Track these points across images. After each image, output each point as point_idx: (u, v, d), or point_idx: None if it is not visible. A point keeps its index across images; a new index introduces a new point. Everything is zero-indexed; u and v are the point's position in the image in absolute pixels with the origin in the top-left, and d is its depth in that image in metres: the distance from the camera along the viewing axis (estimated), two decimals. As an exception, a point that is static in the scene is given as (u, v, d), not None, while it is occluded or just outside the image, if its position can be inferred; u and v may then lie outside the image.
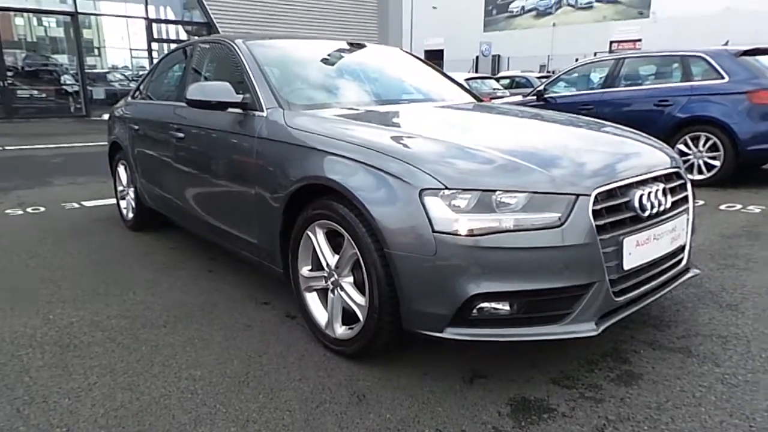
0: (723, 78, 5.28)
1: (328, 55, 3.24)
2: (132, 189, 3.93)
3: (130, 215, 4.04)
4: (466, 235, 1.69)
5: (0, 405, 1.82)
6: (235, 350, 2.19)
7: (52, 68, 14.52)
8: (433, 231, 1.71)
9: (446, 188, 1.73)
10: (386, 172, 1.84)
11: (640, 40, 32.57)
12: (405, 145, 1.97)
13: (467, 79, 12.73)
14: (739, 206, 4.53)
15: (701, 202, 4.61)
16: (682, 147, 5.48)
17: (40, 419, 1.75)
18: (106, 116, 4.58)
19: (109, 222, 4.25)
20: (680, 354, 2.09)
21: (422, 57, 3.86)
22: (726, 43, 8.09)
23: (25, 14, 14.41)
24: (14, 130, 10.80)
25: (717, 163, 5.31)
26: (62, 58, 14.66)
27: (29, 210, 4.63)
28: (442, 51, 41.61)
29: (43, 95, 14.10)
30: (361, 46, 3.51)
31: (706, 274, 2.94)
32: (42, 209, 4.66)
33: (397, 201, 1.79)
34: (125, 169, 4.04)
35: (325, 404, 1.82)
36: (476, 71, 31.97)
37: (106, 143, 4.40)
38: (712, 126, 5.28)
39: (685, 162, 5.41)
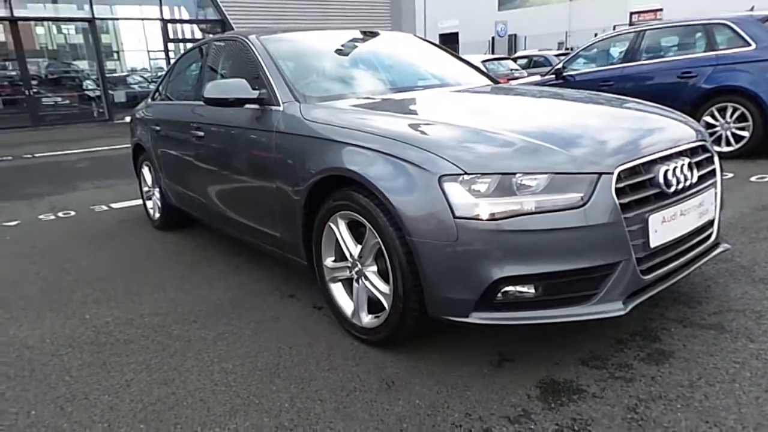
0: (750, 45, 5.10)
1: (342, 45, 3.23)
2: (157, 189, 4.00)
3: (157, 215, 4.12)
4: (488, 220, 1.68)
5: (44, 403, 1.90)
6: (264, 342, 2.23)
7: (73, 75, 14.83)
8: (454, 217, 1.71)
9: (465, 173, 1.72)
10: (405, 160, 1.84)
11: (661, 10, 31.57)
12: (423, 132, 1.96)
13: (484, 61, 12.57)
14: (770, 177, 4.40)
15: (730, 175, 4.48)
16: (708, 119, 5.33)
17: (82, 415, 1.82)
18: (128, 119, 4.66)
19: (136, 222, 4.35)
20: (713, 330, 2.06)
21: (437, 41, 3.82)
22: (751, 9, 7.80)
23: (45, 23, 14.71)
24: (41, 138, 11.09)
25: (746, 133, 5.15)
26: (83, 64, 14.94)
27: (60, 215, 4.76)
28: (457, 34, 41.03)
29: (67, 102, 14.41)
30: (374, 35, 3.49)
31: (738, 248, 2.87)
32: (72, 213, 4.79)
33: (417, 189, 1.79)
34: (149, 170, 4.12)
35: (355, 392, 1.84)
36: (492, 52, 31.49)
37: (130, 146, 4.49)
38: (740, 96, 5.11)
39: (712, 134, 5.27)
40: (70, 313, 2.66)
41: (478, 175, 1.72)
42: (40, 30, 14.95)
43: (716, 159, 2.23)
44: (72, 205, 5.11)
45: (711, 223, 2.15)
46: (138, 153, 4.31)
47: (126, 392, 1.94)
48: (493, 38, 35.23)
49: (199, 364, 2.10)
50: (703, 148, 2.17)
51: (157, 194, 4.02)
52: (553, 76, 6.73)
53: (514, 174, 1.71)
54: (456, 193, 1.72)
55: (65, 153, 8.86)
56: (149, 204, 4.26)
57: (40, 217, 4.71)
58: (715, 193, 2.16)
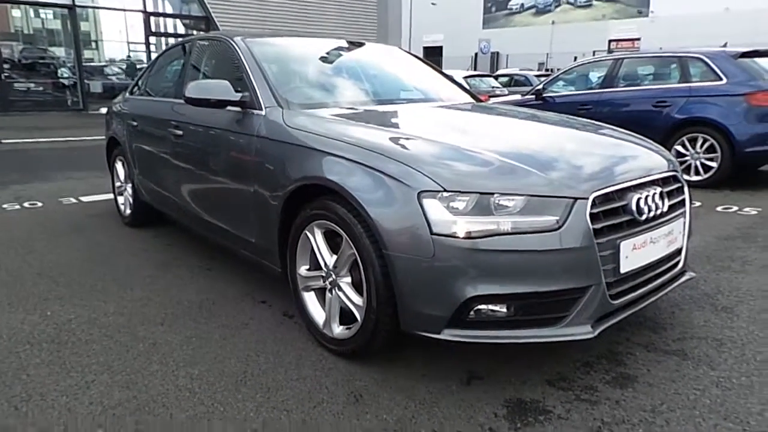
0: (721, 79, 5.29)
1: (327, 53, 3.24)
2: (129, 185, 3.92)
3: (128, 211, 4.03)
4: (464, 238, 1.69)
5: (-3, 402, 1.83)
6: (232, 348, 2.20)
7: (49, 61, 14.45)
8: (431, 233, 1.72)
9: (444, 190, 1.73)
10: (385, 174, 1.85)
11: (639, 39, 32.60)
12: (404, 147, 1.97)
13: (466, 77, 12.74)
14: (735, 208, 4.56)
15: (698, 203, 4.63)
16: (679, 148, 5.50)
17: (38, 417, 1.75)
18: (103, 110, 4.56)
19: (106, 217, 4.24)
20: (675, 357, 2.11)
21: (421, 54, 3.86)
22: (725, 45, 8.11)
23: (22, 6, 14.33)
24: (11, 124, 10.75)
25: (714, 164, 5.33)
26: (59, 51, 14.58)
27: (26, 205, 4.62)
28: (441, 48, 41.55)
29: (40, 88, 14.02)
30: (360, 45, 3.50)
31: (702, 276, 2.95)
32: (39, 204, 4.65)
33: (396, 202, 1.79)
34: (123, 164, 4.03)
35: (323, 404, 1.83)
36: (475, 69, 31.95)
37: (104, 138, 4.39)
38: (710, 127, 5.29)
39: (682, 163, 5.44)
40: (31, 308, 2.58)
41: (457, 193, 1.73)
42: (16, 12, 14.56)
43: (686, 189, 2.29)
44: (39, 195, 4.96)
45: (679, 251, 2.21)
46: (112, 147, 4.22)
47: (85, 394, 1.88)
48: (476, 54, 35.80)
49: (163, 368, 2.05)
50: (674, 178, 2.23)
51: (130, 190, 3.94)
52: (533, 96, 6.85)
53: (493, 194, 1.73)
54: (434, 209, 1.73)
55: (35, 141, 8.61)
56: (120, 199, 4.17)
57: (4, 206, 4.56)
58: (684, 223, 2.22)
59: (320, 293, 2.22)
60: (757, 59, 5.47)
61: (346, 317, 2.08)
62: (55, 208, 4.55)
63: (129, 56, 16.49)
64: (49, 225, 4.01)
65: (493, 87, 13.44)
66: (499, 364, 2.05)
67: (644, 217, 1.93)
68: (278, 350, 2.18)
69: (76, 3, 13.40)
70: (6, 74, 12.91)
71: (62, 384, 1.94)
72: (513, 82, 16.37)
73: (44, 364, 2.08)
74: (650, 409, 1.78)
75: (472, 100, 3.27)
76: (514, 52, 35.93)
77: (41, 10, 14.73)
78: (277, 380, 1.97)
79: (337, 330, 2.11)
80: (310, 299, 2.25)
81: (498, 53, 37.75)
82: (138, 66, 15.47)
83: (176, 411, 1.79)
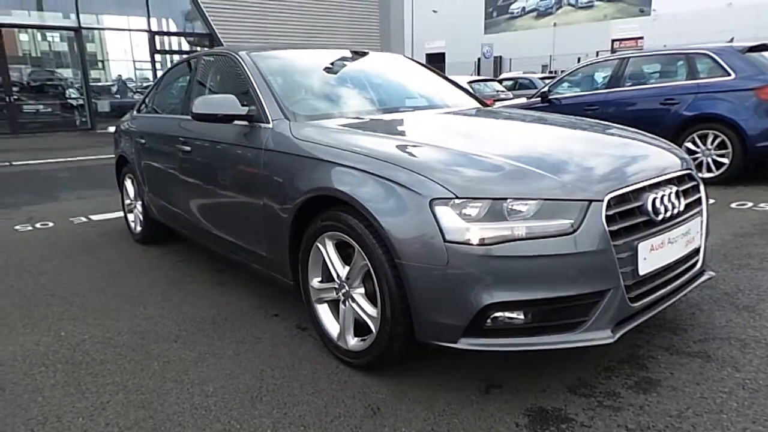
0: (729, 75, 5.24)
1: (332, 64, 3.24)
2: (139, 202, 3.93)
3: (138, 228, 4.04)
4: (478, 245, 1.67)
5: (14, 425, 1.82)
6: (246, 364, 2.18)
7: (57, 83, 14.63)
8: (445, 241, 1.69)
9: (457, 197, 1.71)
10: (395, 182, 1.83)
11: (641, 38, 32.47)
12: (413, 155, 1.96)
13: (470, 82, 12.72)
14: (750, 204, 4.49)
15: (712, 201, 4.56)
16: (689, 145, 5.44)
17: (54, 440, 1.74)
18: (111, 129, 4.59)
19: (116, 236, 4.25)
20: (698, 359, 2.06)
21: (424, 60, 3.86)
22: (731, 40, 8.05)
23: (30, 30, 14.54)
24: (21, 146, 10.88)
25: (726, 160, 5.26)
26: (67, 72, 14.77)
27: (38, 225, 4.65)
28: (443, 54, 41.64)
29: (49, 110, 14.19)
30: (363, 54, 3.50)
31: (721, 275, 2.90)
32: (50, 224, 4.68)
33: (408, 211, 1.77)
34: (132, 182, 4.05)
35: (340, 418, 1.80)
36: (478, 73, 31.97)
37: (113, 156, 4.42)
38: (720, 123, 5.23)
39: (693, 160, 5.37)
40: (45, 329, 2.58)
41: (470, 200, 1.71)
42: (23, 36, 14.77)
43: (702, 187, 2.25)
44: (50, 215, 5.00)
45: (697, 251, 2.16)
46: (121, 165, 4.24)
47: (101, 415, 1.86)
48: (479, 59, 35.86)
49: (178, 386, 2.03)
50: (689, 177, 2.19)
51: (140, 207, 3.95)
52: (539, 99, 6.83)
53: (506, 199, 1.71)
54: (447, 216, 1.71)
55: (45, 162, 8.69)
56: (131, 217, 4.18)
57: (17, 227, 4.59)
58: (701, 222, 2.18)
59: (334, 305, 2.20)
60: (765, 53, 5.41)
61: (360, 329, 2.06)
62: (67, 227, 4.57)
63: (135, 75, 16.65)
64: (61, 245, 4.03)
65: (497, 91, 13.41)
66: (518, 372, 2.01)
67: (661, 217, 1.89)
68: (293, 364, 2.16)
69: (82, 25, 13.58)
70: (15, 97, 13.08)
71: (78, 405, 1.93)
72: (517, 85, 16.34)
73: (59, 385, 2.07)
74: (676, 414, 1.74)
75: (478, 105, 3.25)
76: (517, 56, 35.93)
77: (48, 34, 14.94)
78: (292, 395, 1.94)
79: (352, 342, 2.08)
80: (324, 311, 2.23)
81: (501, 57, 37.78)
82: (145, 84, 15.62)
83: (192, 430, 1.76)
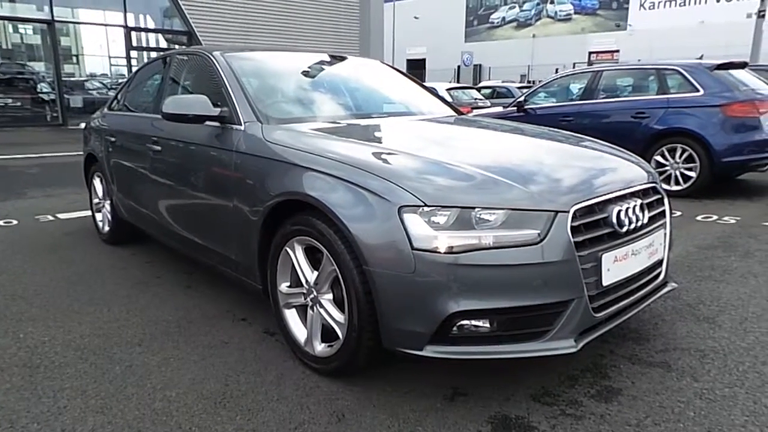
0: (698, 91, 5.39)
1: (308, 67, 3.22)
2: (108, 202, 3.85)
3: (106, 228, 3.95)
4: (446, 253, 1.68)
5: (-36, 431, 1.75)
6: (211, 369, 2.14)
7: (28, 76, 14.23)
8: (413, 248, 1.70)
9: (425, 205, 1.72)
10: (365, 189, 1.82)
11: (617, 51, 33.24)
12: (384, 162, 1.96)
13: (449, 89, 12.82)
14: (715, 217, 4.61)
15: (678, 213, 4.68)
16: (659, 158, 5.57)
17: (6, 446, 1.68)
18: (83, 125, 4.48)
19: (83, 235, 4.15)
20: (659, 369, 2.10)
21: (404, 66, 3.88)
22: (701, 57, 8.29)
23: (0, 21, 14.13)
24: (-12, 139, 10.55)
25: (693, 174, 5.40)
26: (39, 66, 14.39)
27: (1, 223, 4.51)
28: (424, 60, 41.94)
29: (18, 104, 13.79)
30: (341, 59, 3.50)
31: (684, 286, 2.97)
32: (14, 222, 4.54)
33: (376, 218, 1.77)
34: (101, 181, 3.96)
35: (305, 425, 1.78)
36: (458, 81, 32.27)
37: (82, 154, 4.31)
38: (688, 138, 5.38)
39: (662, 173, 5.51)
40: (2, 331, 2.49)
41: (438, 208, 1.72)
42: (-7, 28, 14.36)
43: (666, 200, 2.31)
44: (15, 213, 4.85)
45: (660, 262, 2.21)
46: (90, 163, 4.15)
47: (57, 420, 1.81)
48: (459, 67, 36.19)
49: (139, 392, 1.99)
50: (654, 190, 2.24)
51: (108, 207, 3.86)
52: (515, 108, 6.91)
53: (474, 208, 1.72)
54: (415, 224, 1.71)
55: (12, 157, 8.44)
56: (98, 216, 4.09)
57: (-21, 224, 4.45)
58: (665, 234, 2.23)
59: (302, 310, 2.18)
60: (732, 71, 5.59)
61: (328, 335, 2.04)
62: (32, 225, 4.45)
63: (110, 71, 16.32)
64: (24, 243, 3.91)
65: (475, 99, 13.54)
66: (483, 380, 2.03)
67: (625, 229, 1.93)
68: (259, 369, 2.14)
69: (56, 18, 13.27)
70: (-17, 90, 12.70)
71: (33, 410, 1.87)
72: (495, 94, 16.54)
73: (15, 389, 2.00)
74: (635, 423, 1.77)
75: (453, 113, 3.28)
76: (497, 65, 36.41)
77: (20, 26, 14.55)
78: (257, 401, 1.92)
79: (319, 348, 2.07)
80: (292, 317, 2.21)
81: (480, 65, 38.23)
82: (119, 80, 15.32)
83: (152, 436, 1.73)
